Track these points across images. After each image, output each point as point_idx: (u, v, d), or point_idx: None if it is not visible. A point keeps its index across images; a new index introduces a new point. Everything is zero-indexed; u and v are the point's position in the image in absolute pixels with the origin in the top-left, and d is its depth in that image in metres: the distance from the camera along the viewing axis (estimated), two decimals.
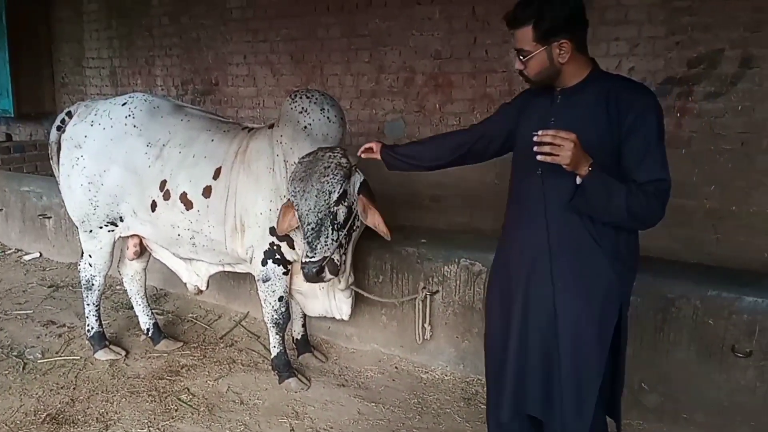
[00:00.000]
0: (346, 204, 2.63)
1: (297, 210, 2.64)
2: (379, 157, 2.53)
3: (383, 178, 3.81)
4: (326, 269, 2.62)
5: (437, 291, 3.32)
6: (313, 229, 2.58)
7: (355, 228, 2.82)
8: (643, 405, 2.78)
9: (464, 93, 4.01)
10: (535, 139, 1.72)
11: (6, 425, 2.84)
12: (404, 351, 3.51)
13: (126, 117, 3.16)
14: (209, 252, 3.19)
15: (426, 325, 3.28)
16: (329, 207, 2.57)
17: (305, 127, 2.89)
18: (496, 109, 2.27)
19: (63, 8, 6.55)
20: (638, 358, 2.76)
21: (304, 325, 3.56)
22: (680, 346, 2.68)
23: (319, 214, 2.57)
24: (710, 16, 3.31)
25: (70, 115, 3.36)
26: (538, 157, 1.73)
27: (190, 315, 4.17)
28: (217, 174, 3.03)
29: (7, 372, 3.33)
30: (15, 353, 3.55)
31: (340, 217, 2.63)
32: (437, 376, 3.35)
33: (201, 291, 3.52)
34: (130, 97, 3.28)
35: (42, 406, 3.00)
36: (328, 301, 3.22)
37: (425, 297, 3.27)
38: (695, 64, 3.36)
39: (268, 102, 4.99)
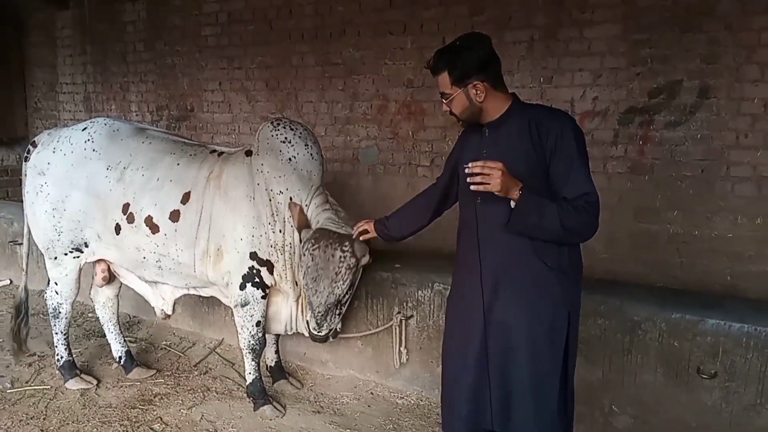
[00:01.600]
0: (351, 291, 2.92)
1: (306, 294, 2.86)
2: (375, 235, 2.74)
3: (358, 203, 3.86)
4: (329, 336, 3.01)
5: (411, 316, 3.35)
6: (321, 315, 2.87)
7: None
8: (614, 427, 2.83)
9: (436, 121, 4.11)
10: (466, 170, 1.91)
11: None
12: (380, 376, 3.53)
13: (86, 141, 3.18)
14: (175, 275, 3.19)
15: (402, 350, 3.32)
16: (338, 301, 2.87)
17: (290, 159, 2.95)
18: None
19: (36, 33, 6.52)
20: (607, 380, 2.83)
21: (277, 352, 3.56)
22: (648, 368, 2.75)
23: (327, 306, 2.84)
24: (668, 48, 3.46)
25: (35, 144, 3.36)
26: (472, 187, 1.91)
27: (164, 342, 4.13)
28: (186, 198, 3.04)
29: None
30: None
31: (345, 299, 2.91)
32: (413, 402, 3.36)
33: (168, 315, 3.50)
34: (91, 122, 3.31)
35: None
36: (292, 319, 3.22)
37: (400, 322, 3.31)
38: (655, 94, 3.51)
39: (244, 128, 5.02)
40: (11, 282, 5.34)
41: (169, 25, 5.41)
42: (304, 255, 2.80)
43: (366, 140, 4.40)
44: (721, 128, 3.38)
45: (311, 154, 3.01)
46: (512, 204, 1.94)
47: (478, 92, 2.01)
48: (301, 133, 3.03)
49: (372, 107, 4.34)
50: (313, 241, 2.79)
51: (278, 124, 3.04)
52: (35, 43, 6.55)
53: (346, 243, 2.78)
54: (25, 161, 3.33)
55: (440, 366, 3.29)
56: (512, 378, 2.05)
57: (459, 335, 2.19)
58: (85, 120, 5.95)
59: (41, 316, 4.56)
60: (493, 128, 2.08)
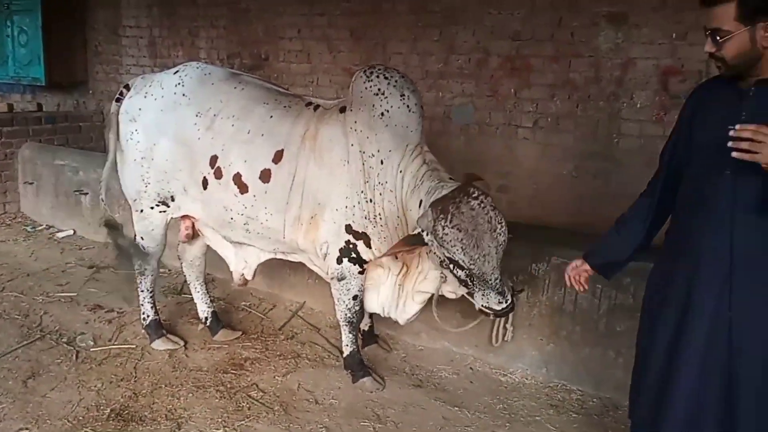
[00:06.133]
0: None
1: (468, 268, 2.47)
2: (590, 271, 2.21)
3: (447, 166, 3.57)
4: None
5: (522, 290, 3.10)
6: (497, 279, 2.52)
7: None
8: None
9: (544, 78, 3.76)
10: (731, 133, 1.55)
11: (68, 421, 2.65)
12: (479, 351, 3.32)
13: (176, 85, 2.98)
14: (263, 239, 3.00)
15: (508, 326, 3.08)
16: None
17: (382, 114, 2.67)
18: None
19: None
20: None
21: (371, 317, 3.38)
22: None
23: (500, 263, 2.50)
24: None
25: (128, 88, 3.15)
26: (734, 154, 1.56)
27: (243, 303, 3.97)
28: (278, 157, 2.80)
29: (59, 360, 3.14)
30: (65, 340, 3.35)
31: None
32: (517, 380, 3.16)
33: (246, 281, 3.30)
34: (183, 65, 3.14)
35: (103, 400, 2.81)
36: (392, 299, 3.00)
37: None
38: None
39: (323, 80, 4.72)
40: (75, 232, 5.22)
41: None
42: (445, 234, 2.41)
43: (460, 97, 4.08)
44: None
45: (408, 106, 2.69)
46: None
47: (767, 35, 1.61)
48: (396, 81, 2.71)
49: (470, 61, 4.00)
50: (441, 216, 2.41)
51: (371, 74, 2.73)
52: None
53: (468, 189, 2.45)
54: (117, 102, 3.12)
55: (550, 345, 3.11)
56: (735, 387, 1.72)
57: (665, 331, 1.84)
58: (149, 67, 5.77)
59: (111, 269, 4.43)
60: (764, 87, 1.67)
